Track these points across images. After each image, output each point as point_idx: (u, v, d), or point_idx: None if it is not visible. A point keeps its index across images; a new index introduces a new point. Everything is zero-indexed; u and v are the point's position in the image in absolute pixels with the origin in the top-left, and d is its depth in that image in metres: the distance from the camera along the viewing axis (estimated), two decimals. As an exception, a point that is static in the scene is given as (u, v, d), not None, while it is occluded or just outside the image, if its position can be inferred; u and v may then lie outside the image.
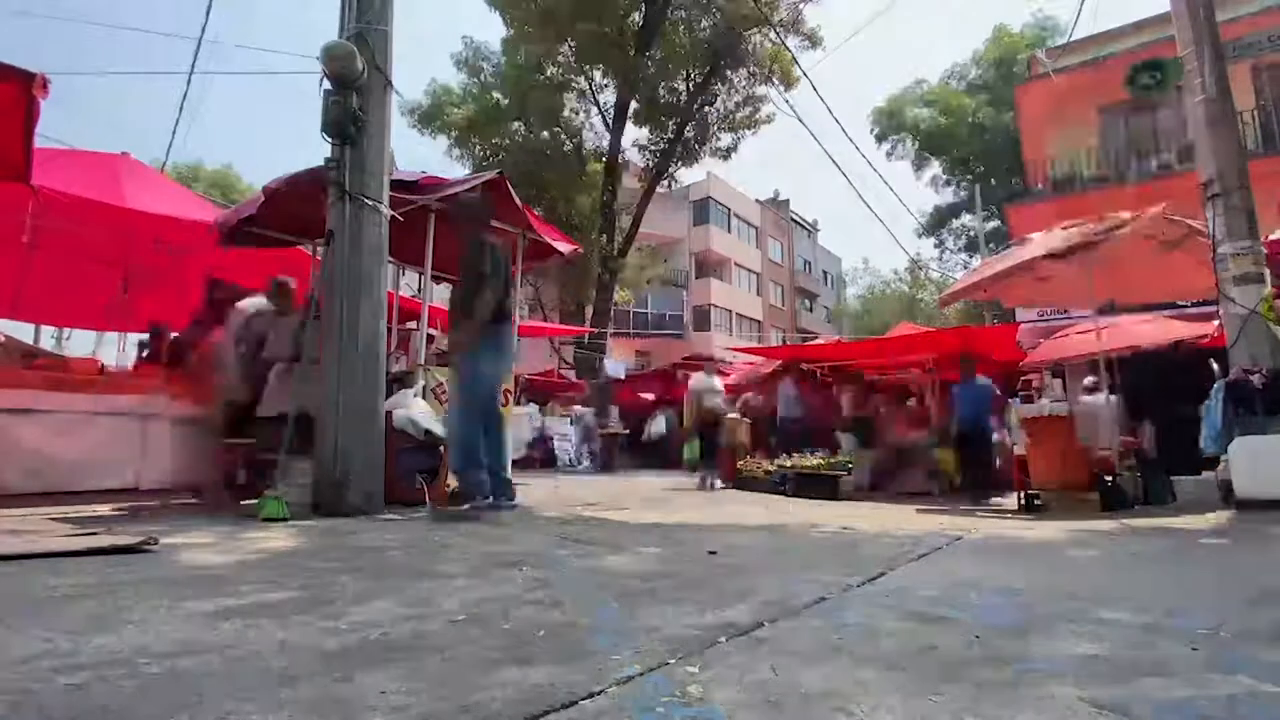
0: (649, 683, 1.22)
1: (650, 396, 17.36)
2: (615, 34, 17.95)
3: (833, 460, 8.00)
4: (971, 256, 26.97)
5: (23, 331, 8.02)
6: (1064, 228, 6.05)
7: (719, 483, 8.49)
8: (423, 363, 5.37)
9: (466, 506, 4.14)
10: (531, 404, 13.90)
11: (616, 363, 20.15)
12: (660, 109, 19.51)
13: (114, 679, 1.19)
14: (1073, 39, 15.53)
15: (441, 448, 4.78)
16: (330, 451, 4.08)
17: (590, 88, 20.17)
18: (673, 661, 1.34)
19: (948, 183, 29.34)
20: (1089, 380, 7.81)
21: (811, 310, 45.55)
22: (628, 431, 14.90)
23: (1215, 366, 6.24)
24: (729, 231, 36.76)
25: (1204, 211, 5.88)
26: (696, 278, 34.55)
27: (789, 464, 8.06)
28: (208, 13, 6.38)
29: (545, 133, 20.75)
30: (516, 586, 2.08)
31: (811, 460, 8.01)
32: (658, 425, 14.32)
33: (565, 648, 1.42)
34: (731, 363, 17.43)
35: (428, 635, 1.51)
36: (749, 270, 38.64)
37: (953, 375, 8.73)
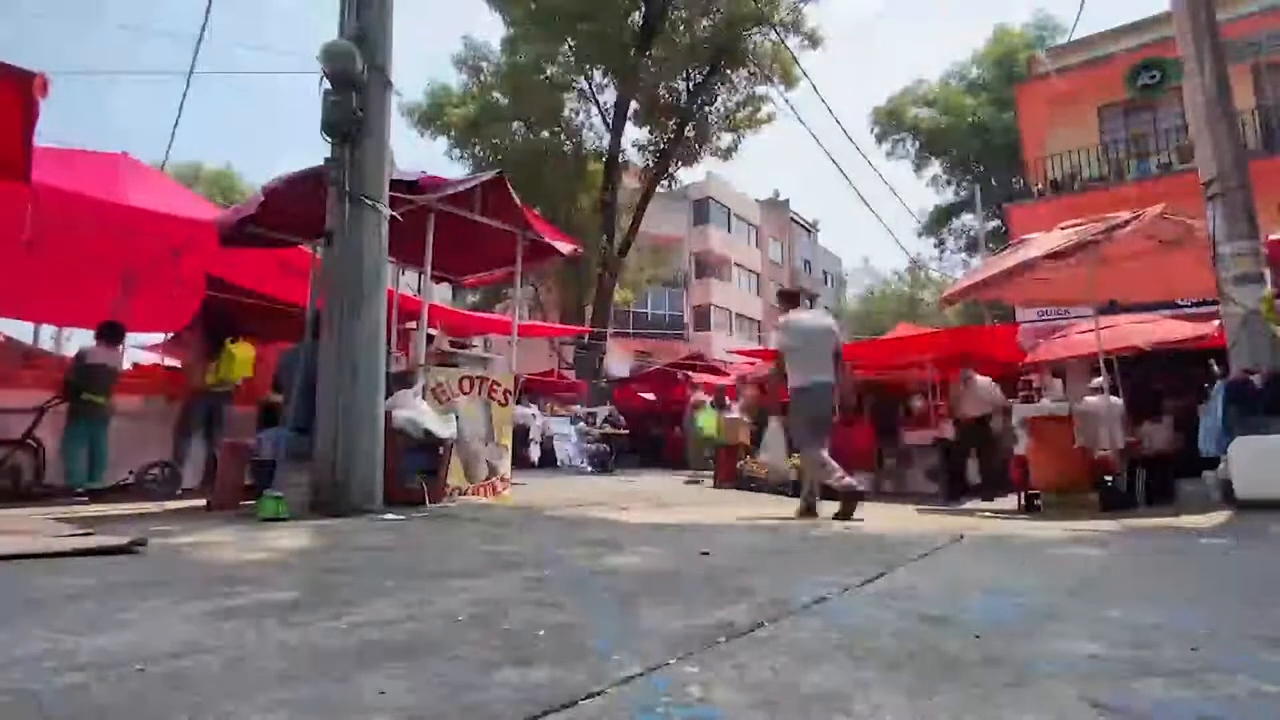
0: (649, 683, 1.22)
1: (651, 396, 17.38)
2: (615, 34, 17.93)
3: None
4: (971, 256, 26.96)
5: (23, 331, 8.02)
6: (1064, 228, 6.04)
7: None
8: (423, 363, 5.36)
9: None
10: (533, 405, 13.90)
11: (620, 362, 20.12)
12: (660, 109, 19.52)
13: (114, 679, 1.19)
14: (1073, 39, 15.52)
15: (441, 448, 4.77)
16: (330, 451, 4.08)
17: (590, 88, 20.16)
18: (673, 661, 1.33)
19: (948, 183, 29.33)
20: (1096, 381, 7.78)
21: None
22: (627, 432, 14.89)
23: (1215, 367, 6.22)
24: (729, 231, 36.71)
25: (1204, 211, 5.87)
26: (696, 278, 34.52)
27: (789, 464, 8.05)
28: (207, 13, 6.36)
29: (545, 133, 20.74)
30: (516, 586, 2.07)
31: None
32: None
33: (565, 648, 1.42)
34: (731, 363, 17.46)
35: (428, 635, 1.51)
36: (749, 270, 38.59)
37: (953, 375, 8.72)
